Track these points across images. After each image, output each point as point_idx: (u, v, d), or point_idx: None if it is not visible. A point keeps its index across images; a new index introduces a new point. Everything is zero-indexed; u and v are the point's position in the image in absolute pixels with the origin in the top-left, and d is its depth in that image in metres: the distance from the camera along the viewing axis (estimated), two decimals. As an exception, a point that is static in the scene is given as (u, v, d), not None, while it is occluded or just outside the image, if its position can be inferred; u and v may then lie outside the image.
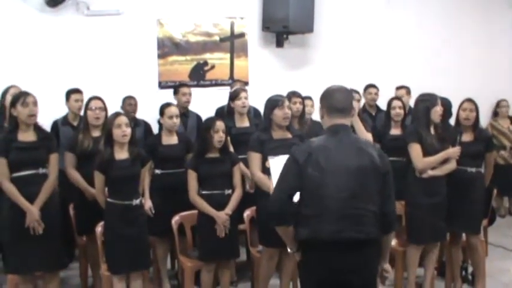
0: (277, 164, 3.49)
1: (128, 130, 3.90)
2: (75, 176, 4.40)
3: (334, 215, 2.62)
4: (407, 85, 6.10)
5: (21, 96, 3.72)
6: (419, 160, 4.19)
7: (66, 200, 4.93)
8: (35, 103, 3.76)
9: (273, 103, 4.09)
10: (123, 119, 3.90)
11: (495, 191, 5.32)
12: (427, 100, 4.28)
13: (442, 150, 4.26)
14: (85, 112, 4.48)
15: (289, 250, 2.92)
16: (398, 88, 6.13)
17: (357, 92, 5.21)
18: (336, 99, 2.78)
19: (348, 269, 2.67)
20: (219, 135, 4.13)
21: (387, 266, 2.92)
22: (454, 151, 4.28)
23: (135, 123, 5.50)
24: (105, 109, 4.47)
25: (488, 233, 5.43)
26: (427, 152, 4.22)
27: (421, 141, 4.21)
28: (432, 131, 4.30)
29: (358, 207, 2.64)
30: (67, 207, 4.79)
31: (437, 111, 4.24)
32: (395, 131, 4.94)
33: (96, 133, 4.42)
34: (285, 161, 2.76)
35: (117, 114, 3.98)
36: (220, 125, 4.15)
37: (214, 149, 4.19)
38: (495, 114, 7.07)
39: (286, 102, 4.11)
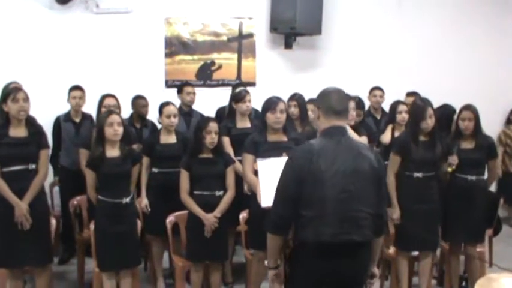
0: (265, 166, 3.47)
1: (120, 129, 3.91)
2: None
3: (335, 217, 2.60)
4: (417, 90, 5.86)
5: (11, 92, 3.76)
6: (390, 173, 4.22)
7: (66, 196, 5.01)
8: (25, 99, 3.78)
9: (267, 105, 4.03)
10: (116, 118, 3.93)
11: (502, 200, 5.18)
12: (417, 108, 4.23)
13: (429, 159, 4.20)
14: (99, 109, 4.57)
15: (265, 263, 2.86)
16: (408, 95, 5.84)
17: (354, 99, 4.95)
18: (334, 101, 2.76)
19: (344, 271, 2.66)
20: (211, 137, 4.12)
21: (375, 269, 2.91)
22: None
23: (144, 124, 5.54)
24: (119, 106, 4.55)
25: (493, 243, 5.29)
26: (412, 160, 4.18)
27: (404, 151, 4.19)
28: (423, 137, 4.23)
29: (357, 210, 2.64)
30: (67, 204, 4.85)
31: (427, 122, 4.16)
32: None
33: None
34: (284, 166, 2.72)
35: (109, 113, 4.01)
36: (213, 126, 4.13)
37: (207, 150, 4.17)
38: (508, 121, 6.90)
39: (280, 106, 3.99)
